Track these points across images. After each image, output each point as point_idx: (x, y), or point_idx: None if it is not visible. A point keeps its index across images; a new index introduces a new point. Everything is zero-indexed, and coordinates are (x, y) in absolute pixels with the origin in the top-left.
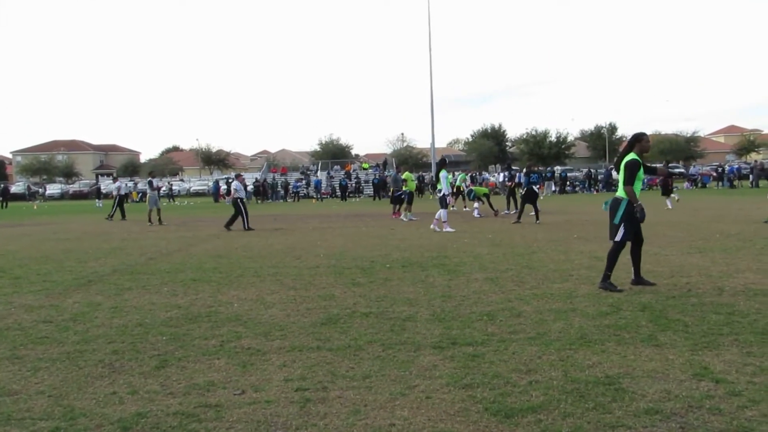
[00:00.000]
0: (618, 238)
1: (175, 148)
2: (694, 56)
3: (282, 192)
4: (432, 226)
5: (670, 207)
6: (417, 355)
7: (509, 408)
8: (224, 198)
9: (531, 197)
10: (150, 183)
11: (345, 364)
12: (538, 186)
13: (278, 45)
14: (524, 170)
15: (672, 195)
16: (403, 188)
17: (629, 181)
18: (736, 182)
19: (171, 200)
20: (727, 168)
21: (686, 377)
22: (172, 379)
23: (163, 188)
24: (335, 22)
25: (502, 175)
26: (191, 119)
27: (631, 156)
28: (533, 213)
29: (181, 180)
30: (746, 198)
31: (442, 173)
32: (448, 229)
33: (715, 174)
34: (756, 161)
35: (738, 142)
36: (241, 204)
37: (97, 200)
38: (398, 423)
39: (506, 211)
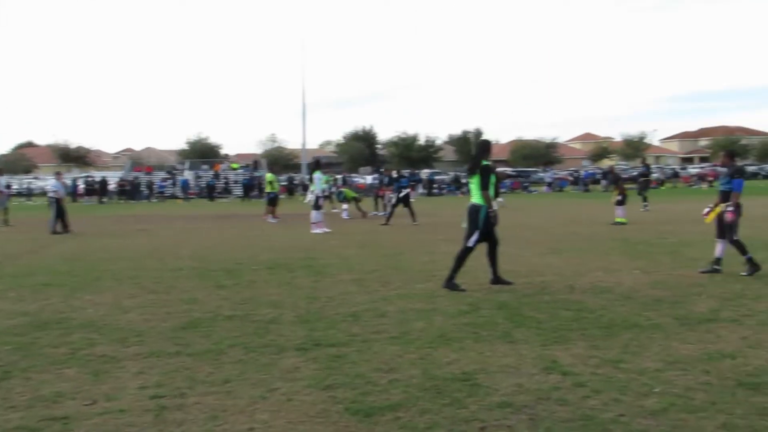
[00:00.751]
0: (470, 243)
1: (30, 144)
2: (554, 65)
3: (147, 192)
4: (313, 230)
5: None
6: (280, 358)
7: (369, 407)
8: (82, 198)
9: (404, 200)
10: None
11: (205, 369)
12: (408, 189)
13: (144, 38)
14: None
15: (498, 199)
16: (267, 190)
17: (486, 185)
18: (590, 186)
19: (29, 199)
20: (582, 173)
21: (537, 371)
22: (14, 392)
23: (14, 186)
24: (206, 20)
25: (370, 177)
26: (48, 113)
27: (485, 162)
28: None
29: (35, 178)
30: (599, 201)
31: (316, 174)
32: (318, 231)
33: (571, 178)
34: (609, 167)
35: (592, 148)
36: (56, 205)
37: None
38: (257, 427)
39: (374, 213)
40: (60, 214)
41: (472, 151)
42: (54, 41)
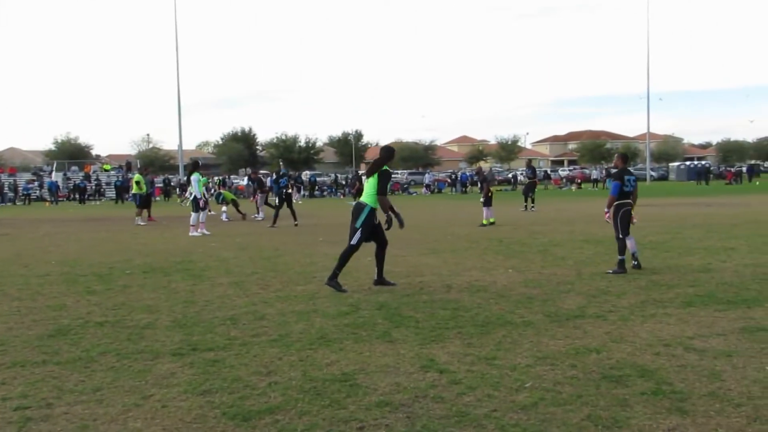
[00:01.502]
0: (354, 241)
1: None
2: (434, 69)
3: (11, 194)
4: (191, 233)
5: None
6: (154, 364)
7: (247, 411)
8: None
9: (286, 201)
10: None
11: (74, 378)
12: (288, 189)
13: (8, 30)
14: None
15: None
16: (133, 191)
17: (384, 191)
18: (467, 188)
19: None
20: (460, 175)
21: (415, 369)
22: None
23: None
24: (77, 12)
25: (247, 178)
26: None
27: (386, 167)
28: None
29: None
30: (476, 203)
31: (194, 176)
32: (195, 233)
33: (449, 180)
34: (477, 167)
35: (469, 151)
36: None
37: None
38: None
39: (255, 216)
40: None
41: (353, 152)
42: None
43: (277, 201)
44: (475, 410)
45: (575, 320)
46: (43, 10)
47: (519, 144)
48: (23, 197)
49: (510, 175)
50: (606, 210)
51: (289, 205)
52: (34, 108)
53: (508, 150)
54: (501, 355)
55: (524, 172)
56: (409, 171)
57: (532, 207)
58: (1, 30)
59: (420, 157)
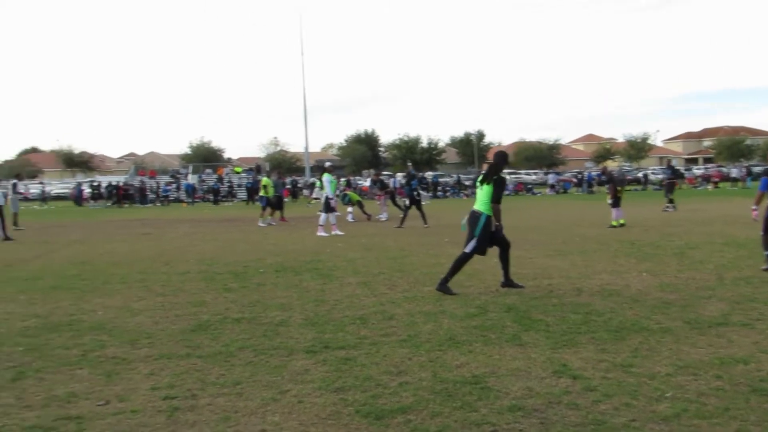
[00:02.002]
0: (468, 249)
1: (34, 150)
2: (557, 67)
3: (152, 196)
4: (318, 233)
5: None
6: (289, 360)
7: (380, 410)
8: (87, 202)
9: (415, 202)
10: (14, 186)
11: (215, 371)
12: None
13: (147, 44)
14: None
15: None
16: (260, 194)
17: (498, 199)
18: (594, 188)
19: (44, 203)
20: (586, 174)
21: (547, 374)
22: (29, 392)
23: (33, 191)
24: (209, 24)
25: (370, 180)
26: (52, 119)
27: (501, 175)
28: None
29: (41, 183)
30: (602, 203)
31: (326, 177)
32: (323, 234)
33: (575, 180)
34: (603, 167)
35: (596, 149)
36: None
37: None
38: (269, 428)
39: (379, 216)
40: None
41: (475, 153)
42: (57, 45)
43: (407, 202)
44: (612, 419)
45: (718, 328)
46: (176, 23)
47: (649, 142)
48: (162, 198)
49: (640, 175)
50: (754, 207)
51: (419, 207)
52: (172, 114)
53: (638, 148)
54: (638, 362)
55: (662, 172)
56: (524, 171)
57: (668, 207)
58: (141, 43)
59: (544, 156)
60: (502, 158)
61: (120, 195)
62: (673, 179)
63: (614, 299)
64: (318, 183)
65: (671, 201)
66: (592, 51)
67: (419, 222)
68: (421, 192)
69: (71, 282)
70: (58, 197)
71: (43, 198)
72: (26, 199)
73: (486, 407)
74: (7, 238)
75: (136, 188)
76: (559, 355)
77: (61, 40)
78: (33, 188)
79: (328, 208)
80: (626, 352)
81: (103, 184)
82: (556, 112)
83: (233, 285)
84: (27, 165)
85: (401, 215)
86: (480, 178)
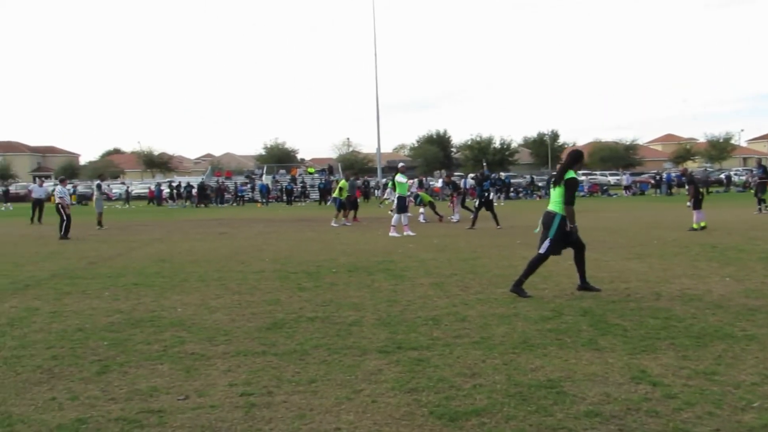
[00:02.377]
0: (542, 250)
1: (116, 151)
2: (632, 65)
3: (229, 196)
4: (391, 233)
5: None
6: (363, 360)
7: (453, 411)
8: (166, 202)
9: (485, 204)
10: (98, 186)
11: (290, 369)
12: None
13: (223, 47)
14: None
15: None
16: (334, 195)
17: (571, 200)
18: (673, 189)
19: (127, 203)
20: (665, 175)
21: (625, 380)
22: (113, 385)
23: (116, 191)
24: (281, 25)
25: (441, 181)
26: (133, 121)
27: (572, 174)
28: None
29: (123, 183)
30: (682, 205)
31: (399, 177)
32: (395, 234)
33: (653, 181)
34: (683, 168)
35: (675, 150)
36: (63, 210)
37: (3, 204)
38: (344, 427)
39: (451, 218)
40: (62, 220)
41: (549, 153)
42: (140, 50)
43: (477, 203)
44: (695, 428)
45: None
46: (250, 27)
47: (732, 142)
48: (238, 199)
49: (723, 176)
50: None
51: (490, 208)
52: (248, 115)
53: (720, 149)
54: (721, 370)
55: (749, 171)
56: (599, 172)
57: (761, 208)
58: (217, 49)
59: (620, 157)
60: (574, 157)
61: (200, 195)
62: (765, 179)
63: (695, 304)
64: (390, 183)
65: (762, 201)
66: (670, 48)
67: (491, 223)
68: (493, 193)
69: (152, 279)
70: (138, 197)
71: (127, 198)
72: (108, 198)
73: (562, 412)
74: (64, 237)
75: (213, 188)
76: (638, 360)
77: (141, 44)
78: (115, 188)
79: (401, 208)
80: (709, 359)
81: (182, 185)
82: (632, 112)
83: (307, 284)
84: (110, 166)
85: (472, 217)
86: (553, 178)
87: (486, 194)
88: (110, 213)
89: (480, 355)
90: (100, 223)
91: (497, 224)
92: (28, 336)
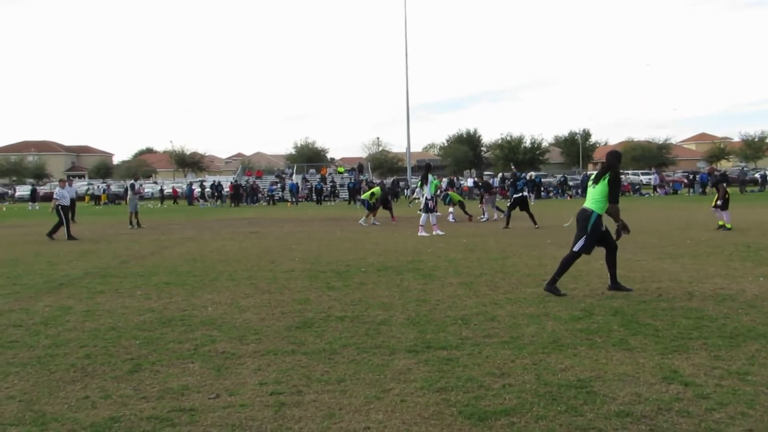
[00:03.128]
0: (576, 248)
1: (149, 150)
2: (665, 64)
3: (265, 196)
4: (420, 233)
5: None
6: (391, 359)
7: (483, 411)
8: (197, 201)
9: (522, 203)
10: (132, 186)
11: (320, 368)
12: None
13: (254, 47)
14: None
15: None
16: (363, 197)
17: (616, 198)
18: (707, 189)
19: (161, 203)
20: (699, 175)
21: (656, 380)
22: (145, 383)
23: (148, 190)
24: (312, 25)
25: (471, 180)
26: (165, 121)
27: (616, 173)
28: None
29: (154, 182)
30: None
31: (429, 178)
32: (424, 234)
33: (686, 181)
34: (710, 167)
35: (709, 149)
36: (62, 212)
37: (30, 203)
38: (373, 426)
39: (480, 217)
40: (62, 222)
41: (580, 152)
42: (172, 51)
43: (509, 203)
44: (727, 429)
45: None
46: (279, 27)
47: None
48: (268, 198)
49: (757, 175)
50: None
51: (525, 208)
52: (278, 115)
53: (755, 148)
54: (755, 370)
55: None
56: (631, 171)
57: None
58: (248, 48)
59: (653, 156)
60: (616, 158)
61: (234, 194)
62: None
63: (728, 304)
64: (419, 183)
65: None
66: (704, 46)
67: (523, 222)
68: (528, 192)
69: (183, 278)
70: (170, 197)
71: (161, 198)
72: (142, 197)
73: (592, 412)
74: (71, 238)
75: (245, 188)
76: (669, 360)
77: (174, 43)
78: (147, 188)
79: (428, 208)
80: (742, 359)
81: (212, 184)
82: (666, 111)
83: (336, 283)
84: (142, 165)
85: (504, 216)
86: (593, 176)
87: (520, 194)
88: (143, 212)
89: (509, 355)
90: (131, 223)
91: (535, 224)
92: (62, 335)
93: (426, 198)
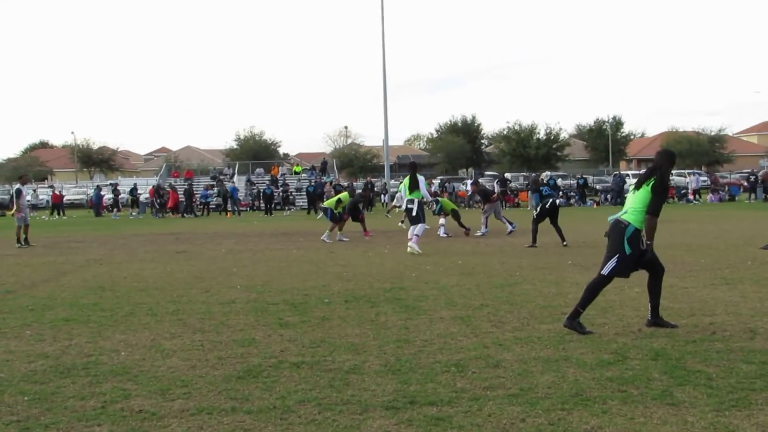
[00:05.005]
0: (606, 271)
1: (44, 145)
2: (718, 36)
3: (198, 204)
4: (411, 246)
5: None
6: (364, 419)
7: None
8: (107, 210)
9: (548, 213)
10: (18, 192)
11: (269, 431)
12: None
13: (180, 12)
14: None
15: None
16: (325, 204)
17: (657, 210)
18: None
19: (58, 213)
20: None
21: None
22: None
23: (42, 197)
24: None
25: (470, 183)
26: (65, 108)
27: (664, 178)
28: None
29: (51, 186)
30: None
31: (420, 178)
32: (415, 247)
33: (746, 184)
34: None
35: None
36: None
37: None
38: None
39: (479, 231)
40: None
41: (609, 146)
42: (72, 24)
43: (535, 214)
44: None
45: None
46: None
47: None
48: (201, 206)
49: None
50: None
51: (554, 221)
52: (214, 99)
53: None
54: None
55: None
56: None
57: None
58: (169, 15)
59: (703, 152)
60: (666, 158)
61: (161, 202)
62: None
63: None
64: (400, 187)
65: None
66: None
67: (542, 237)
68: (558, 199)
69: (88, 313)
70: (72, 205)
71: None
72: (35, 207)
73: None
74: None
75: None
76: (726, 419)
77: (68, 16)
78: (42, 194)
79: (415, 218)
80: None
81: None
82: (720, 93)
83: (291, 319)
84: (34, 164)
85: (510, 229)
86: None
87: (547, 202)
88: (35, 226)
89: (518, 413)
90: (19, 241)
91: (563, 240)
92: None
93: (419, 203)
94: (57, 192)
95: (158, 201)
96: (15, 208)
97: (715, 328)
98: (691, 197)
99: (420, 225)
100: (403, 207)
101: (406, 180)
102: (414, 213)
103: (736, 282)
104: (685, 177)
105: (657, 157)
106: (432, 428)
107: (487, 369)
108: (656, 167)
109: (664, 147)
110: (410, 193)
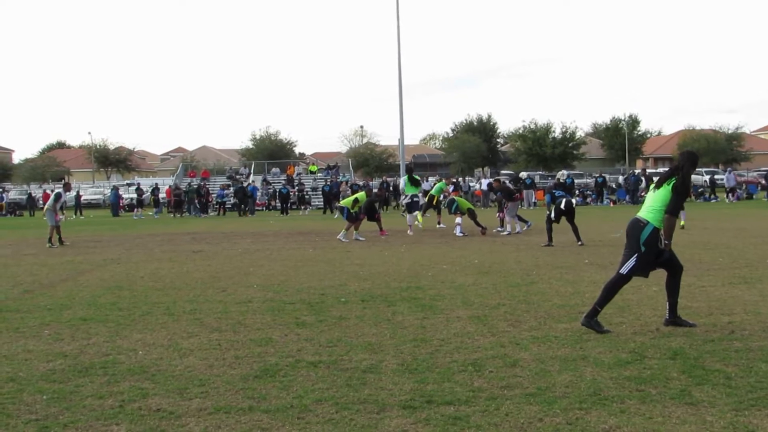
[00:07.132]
0: (624, 270)
1: (61, 145)
2: (735, 33)
3: (214, 204)
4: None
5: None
6: (381, 418)
7: None
8: (126, 210)
9: (568, 214)
10: (58, 195)
11: (286, 430)
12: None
13: (196, 13)
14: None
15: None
16: (341, 203)
17: (676, 210)
18: None
19: (77, 213)
20: None
21: None
22: None
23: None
24: None
25: (486, 182)
26: (82, 109)
27: (676, 179)
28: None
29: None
30: None
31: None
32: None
33: (763, 182)
34: None
35: None
36: None
37: None
38: None
39: (498, 229)
40: None
41: (626, 145)
42: (85, 26)
43: (552, 215)
44: None
45: None
46: None
47: None
48: (217, 206)
49: None
50: None
51: (571, 220)
52: (231, 99)
53: None
54: None
55: None
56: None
57: None
58: (187, 17)
59: (720, 150)
60: (688, 159)
61: (177, 202)
62: None
63: None
64: (405, 182)
65: None
66: None
67: (559, 235)
68: (573, 199)
69: (105, 312)
70: (90, 205)
71: (77, 207)
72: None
73: None
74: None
75: (189, 192)
76: (746, 418)
77: (87, 19)
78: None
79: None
80: None
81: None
82: (738, 90)
83: (307, 318)
84: (52, 164)
85: (526, 228)
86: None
87: (561, 202)
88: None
89: (536, 412)
90: (51, 240)
91: (578, 239)
92: None
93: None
94: (46, 191)
95: (173, 201)
96: (49, 210)
97: (733, 327)
98: (732, 197)
99: (410, 215)
100: (403, 201)
101: (406, 178)
102: (410, 201)
103: (754, 281)
104: (703, 175)
105: (680, 157)
106: (449, 427)
107: (504, 368)
108: (678, 167)
109: (688, 149)
110: (409, 189)
